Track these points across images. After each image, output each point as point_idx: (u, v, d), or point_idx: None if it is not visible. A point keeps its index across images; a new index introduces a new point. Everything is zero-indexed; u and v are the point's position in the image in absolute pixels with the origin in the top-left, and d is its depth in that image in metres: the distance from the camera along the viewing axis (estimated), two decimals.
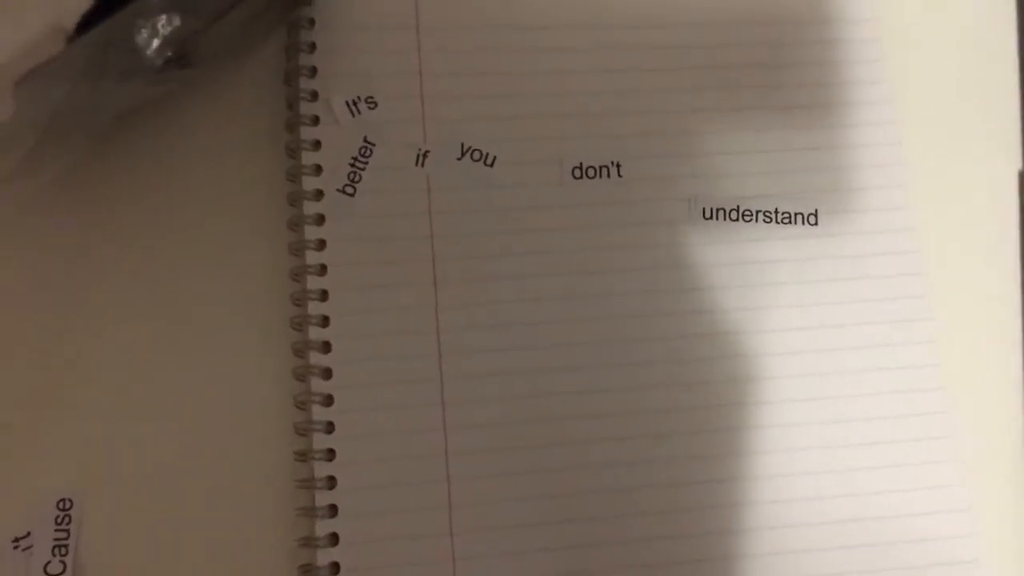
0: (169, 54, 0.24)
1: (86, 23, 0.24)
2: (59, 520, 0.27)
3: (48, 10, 0.21)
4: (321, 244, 0.29)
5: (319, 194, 0.29)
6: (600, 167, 0.30)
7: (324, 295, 0.28)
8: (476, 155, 0.30)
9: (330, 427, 0.27)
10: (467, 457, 0.28)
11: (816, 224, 0.31)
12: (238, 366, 0.28)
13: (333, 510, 0.27)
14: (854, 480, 0.29)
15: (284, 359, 0.28)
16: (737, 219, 0.31)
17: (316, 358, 0.28)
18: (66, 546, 0.27)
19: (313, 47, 0.30)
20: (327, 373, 0.28)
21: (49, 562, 0.27)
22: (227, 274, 0.29)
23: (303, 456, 0.27)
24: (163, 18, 0.24)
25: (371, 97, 0.30)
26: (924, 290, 0.31)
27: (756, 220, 0.31)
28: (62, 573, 0.27)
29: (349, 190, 0.29)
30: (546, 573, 0.27)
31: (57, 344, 0.28)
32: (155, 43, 0.24)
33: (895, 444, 0.29)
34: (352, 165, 0.29)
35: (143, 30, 0.23)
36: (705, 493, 0.28)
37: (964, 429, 0.30)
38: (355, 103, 0.30)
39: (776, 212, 0.31)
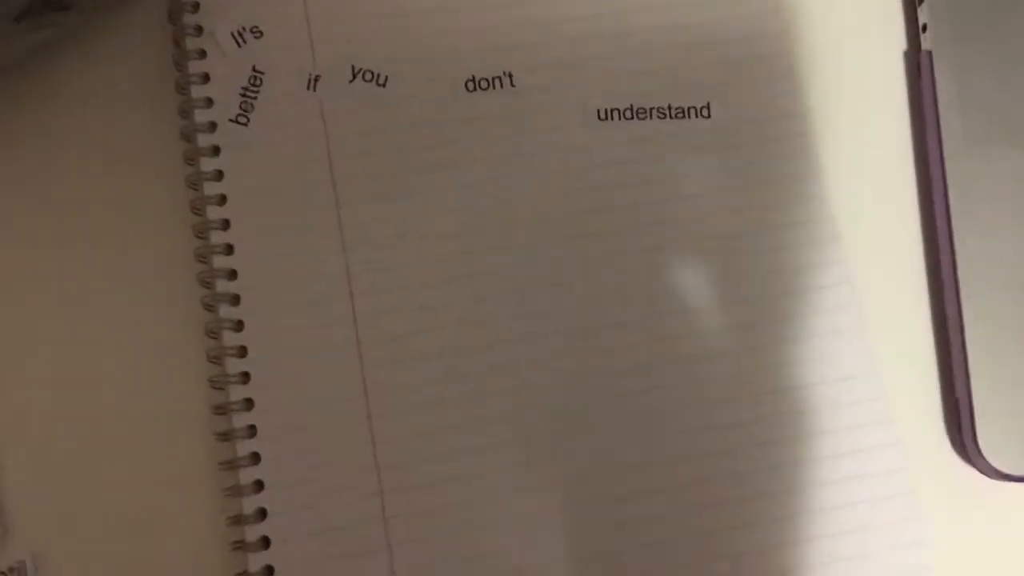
0: None
1: None
2: None
3: None
4: (219, 175, 0.29)
5: (212, 126, 0.29)
6: (492, 79, 0.31)
7: (226, 224, 0.28)
8: (368, 76, 0.30)
9: (243, 351, 0.28)
10: (384, 369, 0.28)
11: (709, 116, 0.31)
12: (146, 304, 0.29)
13: (256, 458, 0.27)
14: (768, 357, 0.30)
15: (191, 292, 0.28)
16: (632, 118, 0.31)
17: (223, 286, 0.28)
18: None
19: None
20: (235, 299, 0.28)
21: None
22: (126, 217, 0.29)
23: (218, 383, 0.28)
24: None
25: (256, 27, 0.30)
26: (817, 170, 0.31)
27: (651, 117, 0.31)
28: None
29: (242, 119, 0.29)
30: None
31: None
32: None
33: (806, 319, 0.30)
34: (243, 95, 0.29)
35: None
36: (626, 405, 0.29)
37: (866, 298, 0.31)
38: (240, 33, 0.30)
39: (669, 108, 0.31)
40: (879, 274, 0.31)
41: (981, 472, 0.30)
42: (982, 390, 0.30)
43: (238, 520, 0.27)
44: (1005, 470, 0.29)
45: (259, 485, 0.27)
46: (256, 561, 0.26)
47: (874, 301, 0.31)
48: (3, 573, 0.27)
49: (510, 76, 0.31)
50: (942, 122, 0.32)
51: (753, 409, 0.29)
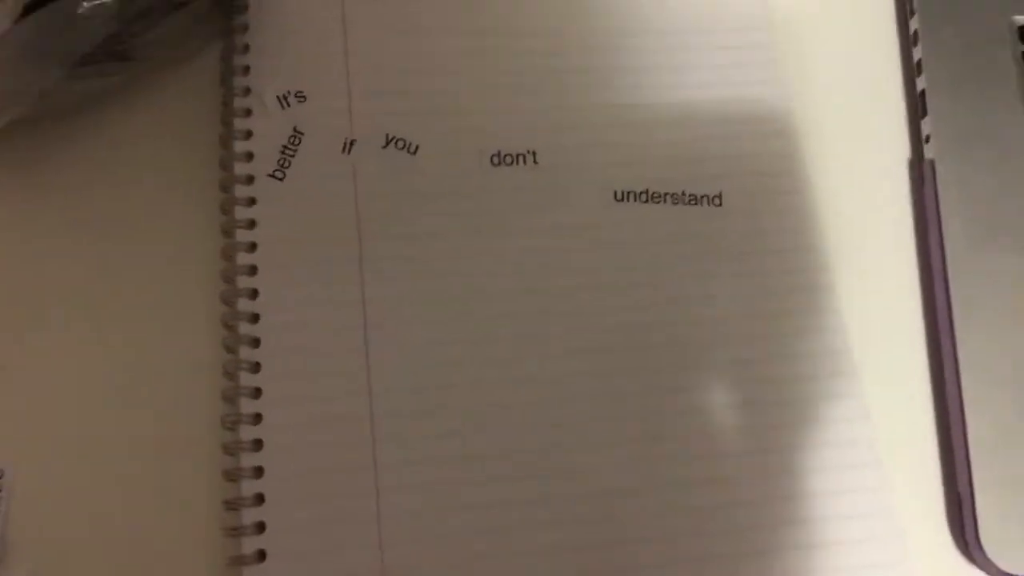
0: (111, 30, 0.26)
1: (34, 5, 0.26)
2: None
3: None
4: (251, 224, 0.30)
5: (250, 179, 0.31)
6: (517, 155, 0.33)
7: (253, 270, 0.30)
8: (400, 144, 0.32)
9: (257, 392, 0.28)
10: (393, 420, 0.29)
11: (720, 205, 0.33)
12: (169, 338, 0.29)
13: (258, 472, 0.27)
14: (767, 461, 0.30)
15: (214, 333, 0.29)
16: (647, 201, 0.33)
17: (245, 328, 0.29)
18: None
19: (247, 48, 0.32)
20: (255, 342, 0.29)
21: None
22: (161, 256, 0.30)
23: (231, 422, 0.28)
24: None
25: (300, 92, 0.32)
26: (819, 262, 0.33)
27: (664, 202, 0.33)
28: None
29: (279, 175, 0.31)
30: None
31: None
32: (96, 17, 0.26)
33: (807, 404, 0.31)
34: (282, 152, 0.31)
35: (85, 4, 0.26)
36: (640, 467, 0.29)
37: (870, 393, 0.31)
38: (285, 97, 0.32)
39: (683, 194, 0.33)
40: (883, 370, 0.32)
41: (983, 571, 0.30)
42: (984, 487, 0.30)
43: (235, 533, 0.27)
44: (1008, 570, 0.29)
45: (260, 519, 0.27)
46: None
47: (878, 396, 0.31)
48: None
49: (534, 154, 0.33)
50: (944, 227, 0.33)
51: (753, 515, 0.29)
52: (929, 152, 0.34)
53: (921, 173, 0.34)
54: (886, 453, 0.30)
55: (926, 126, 0.35)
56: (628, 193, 0.33)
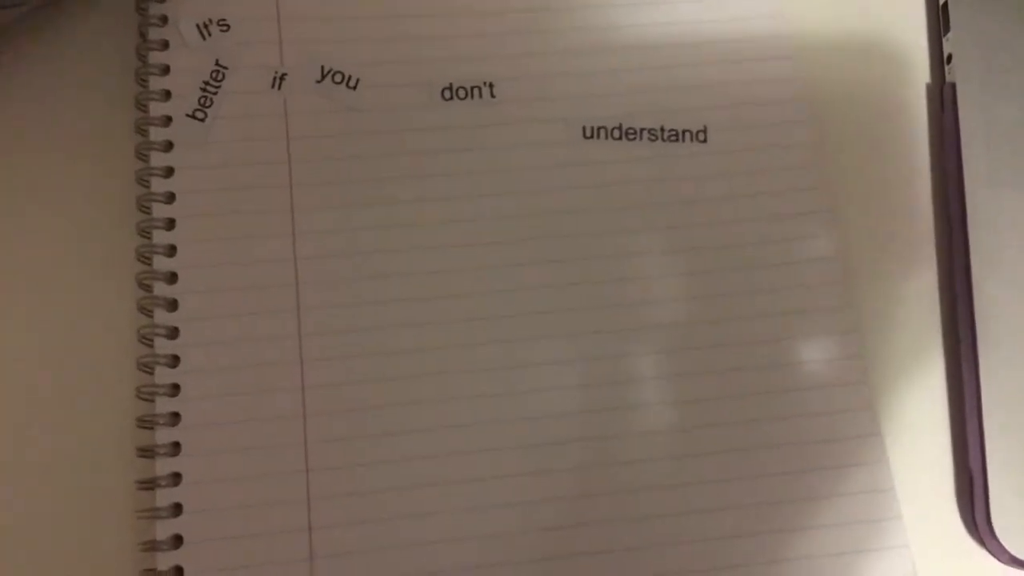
0: None
1: None
2: None
3: None
4: (169, 171, 0.27)
5: (167, 120, 0.27)
6: (472, 87, 0.29)
7: (171, 223, 0.26)
8: (338, 77, 0.28)
9: (175, 360, 0.25)
10: (322, 389, 0.26)
11: (705, 141, 0.29)
12: (82, 298, 0.27)
13: (176, 447, 0.25)
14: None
15: (129, 292, 0.26)
16: (620, 138, 0.29)
17: (161, 289, 0.26)
18: None
19: None
20: (172, 305, 0.26)
21: None
22: (73, 208, 0.27)
23: (146, 394, 0.25)
24: None
25: (223, 19, 0.28)
26: (824, 205, 0.29)
27: (641, 138, 0.29)
28: None
29: (199, 115, 0.27)
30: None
31: None
32: None
33: (802, 365, 0.27)
34: (203, 89, 0.28)
35: None
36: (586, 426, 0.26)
37: (874, 351, 0.28)
38: (206, 25, 0.28)
39: (662, 130, 0.29)
40: (890, 327, 0.28)
41: (993, 555, 0.26)
42: (998, 465, 0.26)
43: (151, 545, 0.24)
44: (1020, 555, 0.26)
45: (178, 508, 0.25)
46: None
47: (882, 358, 0.28)
48: None
49: (491, 86, 0.29)
50: (964, 160, 0.29)
51: (737, 493, 0.26)
52: (950, 75, 0.30)
53: (941, 98, 0.30)
54: (890, 425, 0.27)
55: (948, 45, 0.30)
56: (599, 129, 0.29)
